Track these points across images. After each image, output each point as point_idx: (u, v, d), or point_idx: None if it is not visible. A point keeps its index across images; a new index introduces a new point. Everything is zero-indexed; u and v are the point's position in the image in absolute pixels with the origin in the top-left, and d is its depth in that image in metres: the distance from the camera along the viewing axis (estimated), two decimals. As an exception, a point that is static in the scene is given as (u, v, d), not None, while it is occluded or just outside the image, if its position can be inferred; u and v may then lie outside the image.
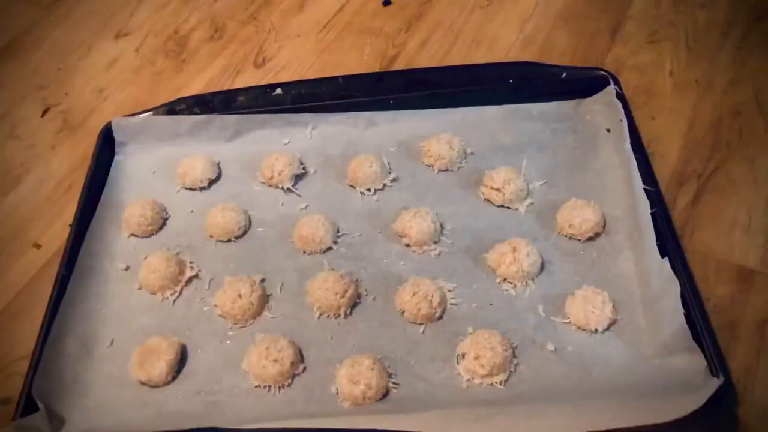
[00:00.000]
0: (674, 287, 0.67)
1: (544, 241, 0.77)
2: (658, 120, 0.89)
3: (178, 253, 0.78)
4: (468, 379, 0.67)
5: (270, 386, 0.67)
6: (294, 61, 1.03)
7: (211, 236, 0.80)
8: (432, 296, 0.71)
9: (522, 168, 0.82)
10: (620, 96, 0.84)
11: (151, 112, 0.90)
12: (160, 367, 0.68)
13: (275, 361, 0.67)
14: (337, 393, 0.67)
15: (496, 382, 0.66)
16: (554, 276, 0.74)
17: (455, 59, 1.00)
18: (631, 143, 0.79)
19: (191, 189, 0.85)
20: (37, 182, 0.90)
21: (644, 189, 0.75)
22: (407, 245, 0.77)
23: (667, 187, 0.81)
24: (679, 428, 0.58)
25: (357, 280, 0.75)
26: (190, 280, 0.76)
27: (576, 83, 0.88)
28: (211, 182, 0.85)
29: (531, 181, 0.81)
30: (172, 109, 0.90)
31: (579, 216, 0.75)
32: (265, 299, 0.74)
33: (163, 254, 0.77)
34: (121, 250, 0.79)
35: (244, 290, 0.72)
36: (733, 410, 0.64)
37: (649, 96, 0.92)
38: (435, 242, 0.77)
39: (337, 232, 0.79)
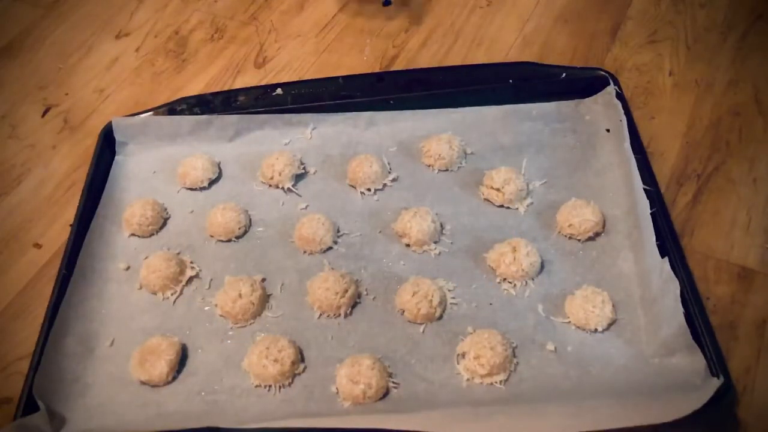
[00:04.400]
0: (674, 287, 0.67)
1: (543, 240, 0.77)
2: (657, 120, 0.89)
3: (178, 253, 0.78)
4: (468, 379, 0.67)
5: (270, 386, 0.68)
6: (294, 61, 1.03)
7: (211, 236, 0.80)
8: (432, 296, 0.71)
9: (522, 168, 0.82)
10: (620, 96, 0.84)
11: (151, 112, 0.90)
12: (160, 367, 0.68)
13: (275, 360, 0.67)
14: (338, 393, 0.67)
15: (496, 382, 0.66)
16: (554, 276, 0.74)
17: (455, 59, 1.00)
18: (630, 143, 0.79)
19: (192, 189, 0.85)
20: (38, 182, 0.90)
21: (644, 189, 0.75)
22: (407, 245, 0.77)
23: (666, 187, 0.81)
24: (679, 428, 0.58)
25: (357, 279, 0.75)
26: (190, 279, 0.76)
27: (576, 83, 0.88)
28: (212, 182, 0.85)
29: (531, 181, 0.81)
30: (172, 109, 0.90)
31: (579, 216, 0.75)
32: (265, 299, 0.74)
33: (163, 254, 0.77)
34: (122, 250, 0.79)
35: (245, 290, 0.72)
36: (733, 410, 0.64)
37: (648, 96, 0.92)
38: (435, 242, 0.77)
39: (338, 231, 0.79)
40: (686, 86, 0.93)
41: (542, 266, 0.74)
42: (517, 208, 0.80)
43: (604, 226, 0.77)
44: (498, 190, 0.79)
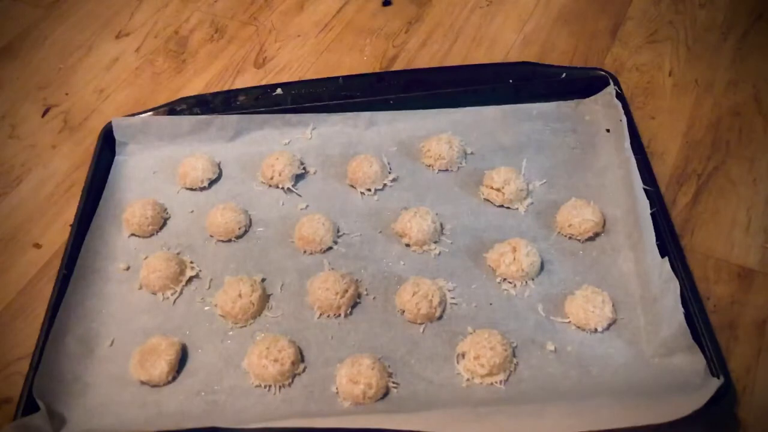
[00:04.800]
0: (674, 287, 0.67)
1: (543, 240, 0.77)
2: (657, 120, 0.89)
3: (178, 253, 0.78)
4: (468, 379, 0.67)
5: (270, 386, 0.68)
6: (294, 61, 1.03)
7: (211, 236, 0.80)
8: (432, 296, 0.71)
9: (522, 168, 0.82)
10: (620, 96, 0.84)
11: (151, 112, 0.90)
12: (160, 367, 0.68)
13: (275, 360, 0.67)
14: (338, 392, 0.67)
15: (496, 382, 0.66)
16: (554, 276, 0.74)
17: (455, 59, 1.00)
18: (630, 143, 0.79)
19: (192, 189, 0.85)
20: (38, 182, 0.90)
21: (644, 189, 0.75)
22: (407, 245, 0.77)
23: (666, 187, 0.81)
24: (679, 428, 0.58)
25: (357, 279, 0.75)
26: (190, 279, 0.76)
27: (576, 83, 0.88)
28: (212, 182, 0.85)
29: (531, 181, 0.81)
30: (172, 109, 0.90)
31: (579, 216, 0.75)
32: (265, 299, 0.74)
33: (163, 254, 0.77)
34: (122, 250, 0.79)
35: (245, 290, 0.72)
36: (733, 410, 0.64)
37: (648, 96, 0.92)
38: (435, 242, 0.77)
39: (338, 231, 0.79)
40: (686, 86, 0.93)
41: (542, 266, 0.74)
42: (517, 208, 0.80)
43: (604, 226, 0.77)
44: (498, 190, 0.79)
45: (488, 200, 0.80)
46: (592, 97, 0.87)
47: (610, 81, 0.86)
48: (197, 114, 0.89)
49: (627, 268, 0.73)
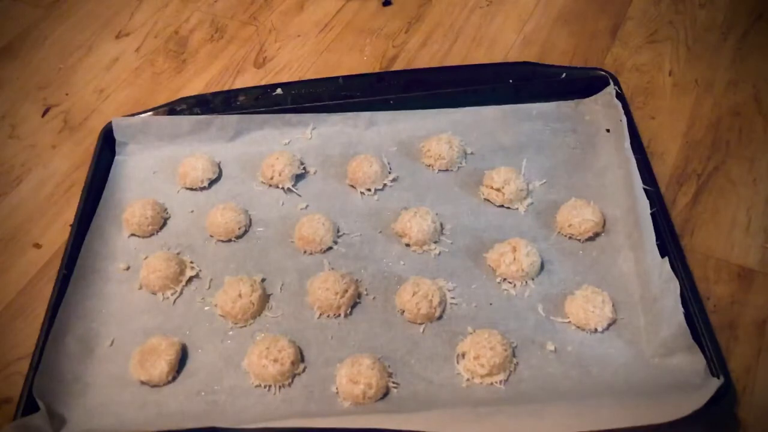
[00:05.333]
0: (674, 287, 0.67)
1: (543, 240, 0.77)
2: (657, 120, 0.89)
3: (178, 253, 0.78)
4: (468, 379, 0.67)
5: (270, 386, 0.68)
6: (294, 61, 1.03)
7: (211, 236, 0.80)
8: (432, 296, 0.71)
9: (522, 168, 0.82)
10: (620, 96, 0.84)
11: (151, 112, 0.90)
12: (160, 367, 0.68)
13: (275, 360, 0.67)
14: (338, 392, 0.67)
15: (496, 382, 0.66)
16: (554, 276, 0.74)
17: (455, 59, 1.00)
18: (630, 143, 0.79)
19: (192, 189, 0.85)
20: (38, 182, 0.90)
21: (644, 189, 0.75)
22: (407, 245, 0.77)
23: (666, 187, 0.81)
24: (679, 428, 0.58)
25: (357, 279, 0.75)
26: (190, 279, 0.76)
27: (576, 83, 0.88)
28: (212, 182, 0.85)
29: (531, 181, 0.81)
30: (172, 109, 0.90)
31: (579, 216, 0.75)
32: (265, 299, 0.74)
33: (163, 254, 0.77)
34: (122, 250, 0.79)
35: (245, 290, 0.72)
36: (733, 410, 0.64)
37: (648, 96, 0.92)
38: (435, 242, 0.77)
39: (338, 232, 0.79)
40: (686, 86, 0.93)
41: (542, 266, 0.74)
42: (517, 208, 0.80)
43: (604, 226, 0.77)
44: (498, 190, 0.79)
45: (488, 200, 0.80)
46: (592, 97, 0.87)
47: (610, 81, 0.86)
48: (197, 114, 0.89)
49: (627, 268, 0.73)
